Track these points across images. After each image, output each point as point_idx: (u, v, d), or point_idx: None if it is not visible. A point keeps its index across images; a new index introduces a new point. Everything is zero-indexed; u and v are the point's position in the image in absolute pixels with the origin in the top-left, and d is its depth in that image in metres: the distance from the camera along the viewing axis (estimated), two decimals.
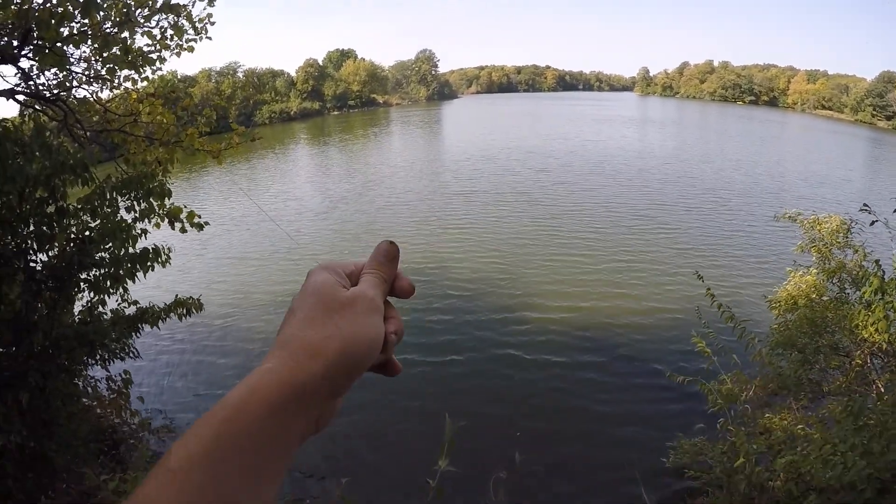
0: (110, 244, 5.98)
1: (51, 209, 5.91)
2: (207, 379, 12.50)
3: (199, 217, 6.64)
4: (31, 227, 5.84)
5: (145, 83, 7.76)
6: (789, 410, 7.08)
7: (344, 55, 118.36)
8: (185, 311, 7.16)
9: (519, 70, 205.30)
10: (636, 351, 13.10)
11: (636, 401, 11.25)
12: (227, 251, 21.79)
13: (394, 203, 28.85)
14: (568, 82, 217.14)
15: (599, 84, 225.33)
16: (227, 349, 13.89)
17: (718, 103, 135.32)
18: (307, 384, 0.60)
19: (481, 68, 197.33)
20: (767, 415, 6.91)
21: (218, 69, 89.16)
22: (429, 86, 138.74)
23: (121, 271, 6.08)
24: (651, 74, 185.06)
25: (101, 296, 6.41)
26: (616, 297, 16.09)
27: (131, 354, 6.68)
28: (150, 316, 6.88)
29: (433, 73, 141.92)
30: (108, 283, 6.17)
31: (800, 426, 6.05)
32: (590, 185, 32.45)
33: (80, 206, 6.09)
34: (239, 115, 74.53)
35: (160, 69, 7.43)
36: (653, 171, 37.34)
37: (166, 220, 6.44)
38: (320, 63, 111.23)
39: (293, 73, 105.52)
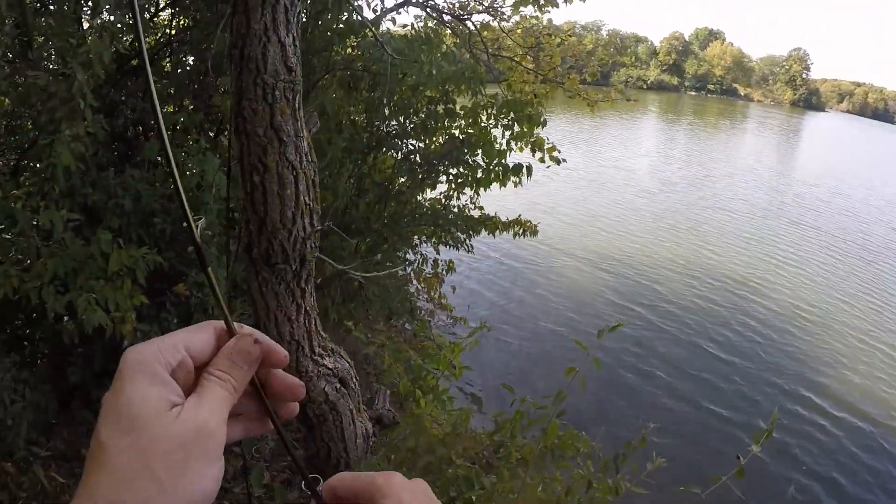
0: (479, 152, 6.75)
1: (440, 109, 6.89)
2: (513, 296, 13.74)
3: (559, 152, 7.12)
4: (418, 118, 6.91)
5: (536, 21, 8.52)
6: None
7: (712, 35, 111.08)
8: (521, 230, 7.89)
9: None
10: None
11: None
12: (575, 198, 22.88)
13: (719, 207, 26.60)
14: None
15: None
16: (540, 283, 14.86)
17: None
18: None
19: (857, 84, 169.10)
20: None
21: (582, 24, 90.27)
22: (796, 89, 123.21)
23: (480, 175, 6.86)
24: None
25: (458, 191, 7.37)
26: None
27: (465, 248, 7.61)
28: (490, 223, 7.68)
29: (804, 76, 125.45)
30: (469, 183, 7.02)
31: None
32: None
33: (464, 113, 6.99)
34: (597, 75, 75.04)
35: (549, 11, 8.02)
36: None
37: (529, 147, 7.03)
38: (686, 38, 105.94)
39: (657, 43, 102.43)
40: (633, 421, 8.88)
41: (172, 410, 0.53)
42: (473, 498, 3.28)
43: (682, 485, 3.20)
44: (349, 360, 2.41)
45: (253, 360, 0.60)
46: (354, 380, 2.43)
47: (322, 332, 2.31)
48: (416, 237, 7.52)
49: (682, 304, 14.97)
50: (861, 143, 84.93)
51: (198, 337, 0.60)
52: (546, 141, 7.12)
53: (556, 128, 37.29)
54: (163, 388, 0.54)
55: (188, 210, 0.61)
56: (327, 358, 2.31)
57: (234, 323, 0.62)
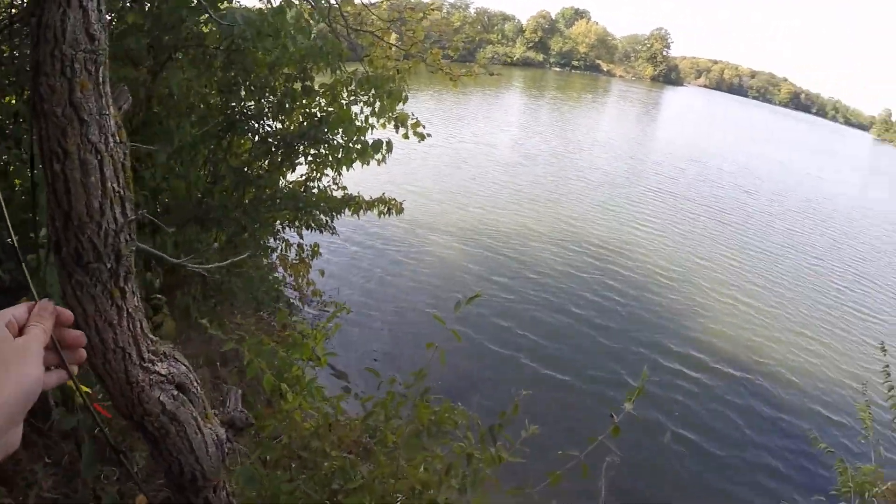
0: (340, 130, 6.52)
1: (297, 86, 6.58)
2: (380, 276, 13.71)
3: (423, 127, 7.03)
4: (275, 97, 6.56)
5: None
6: None
7: (577, 14, 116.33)
8: (385, 209, 7.76)
9: (753, 74, 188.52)
10: (784, 397, 12.39)
11: (763, 446, 10.78)
12: (438, 175, 23.01)
13: (579, 178, 28.09)
14: (801, 102, 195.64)
15: (835, 113, 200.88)
16: (407, 262, 14.93)
17: None
18: None
19: (714, 62, 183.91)
20: None
21: (451, 1, 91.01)
22: (657, 66, 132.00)
23: (342, 154, 6.64)
24: (894, 119, 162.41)
25: (318, 172, 7.12)
26: (782, 338, 15.09)
27: (328, 230, 7.37)
28: (354, 203, 7.49)
29: (664, 53, 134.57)
30: (329, 163, 6.79)
31: None
32: (792, 222, 29.65)
33: (322, 90, 6.72)
34: (461, 51, 76.00)
35: None
36: (865, 231, 33.16)
37: (393, 123, 6.89)
38: (552, 17, 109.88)
39: (524, 21, 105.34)
40: (508, 391, 9.13)
41: (8, 339, 0.90)
42: (353, 488, 3.16)
43: (561, 449, 3.23)
44: (186, 363, 2.18)
45: (49, 312, 0.99)
46: (195, 383, 2.19)
47: (151, 336, 2.06)
48: (277, 223, 7.19)
49: (547, 273, 15.56)
50: (716, 114, 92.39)
51: (18, 310, 0.96)
52: (410, 116, 7.02)
53: (422, 105, 37.35)
54: (3, 332, 0.90)
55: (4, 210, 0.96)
56: (159, 363, 2.07)
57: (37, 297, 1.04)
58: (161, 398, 2.05)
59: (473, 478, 3.35)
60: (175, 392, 2.10)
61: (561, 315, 13.52)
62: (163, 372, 2.06)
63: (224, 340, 3.44)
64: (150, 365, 2.02)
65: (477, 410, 3.78)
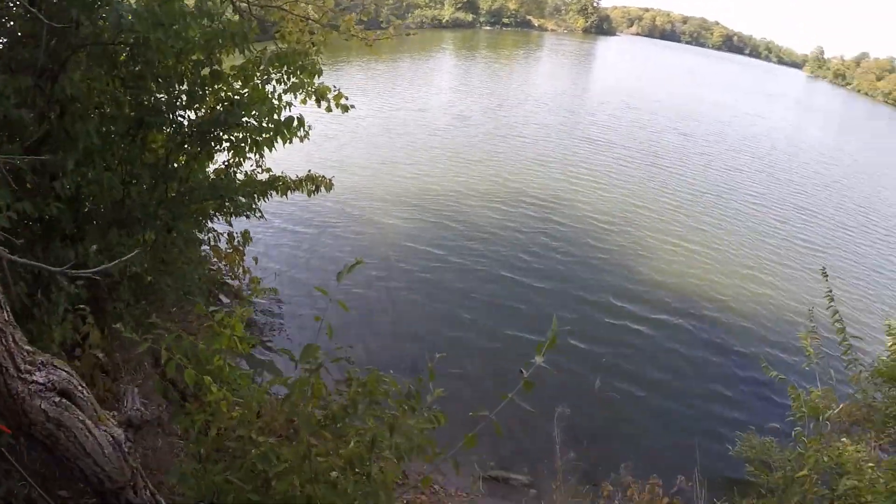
0: (255, 111, 6.37)
1: (205, 72, 6.37)
2: (320, 254, 13.64)
3: (347, 99, 6.89)
4: (185, 86, 6.32)
5: None
6: (866, 444, 6.74)
7: None
8: (314, 187, 7.64)
9: (685, 20, 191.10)
10: (734, 334, 12.88)
11: (719, 380, 11.25)
12: (369, 147, 22.64)
13: (513, 135, 28.10)
14: (735, 44, 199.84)
15: (768, 53, 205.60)
16: (345, 225, 15.09)
17: (891, 107, 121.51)
18: None
19: (646, 10, 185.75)
20: (844, 439, 6.62)
21: None
22: (588, 17, 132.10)
23: (261, 136, 6.49)
24: (825, 56, 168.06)
25: (239, 158, 6.95)
26: (728, 276, 15.64)
27: (256, 215, 7.22)
28: (280, 184, 7.36)
29: (595, 4, 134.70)
30: (248, 146, 6.63)
31: (870, 464, 5.80)
32: (731, 161, 30.39)
33: (233, 73, 6.52)
34: (389, 17, 74.85)
35: None
36: (804, 166, 34.26)
37: (314, 98, 6.74)
38: None
39: None
40: (445, 354, 9.21)
41: None
42: (279, 472, 3.15)
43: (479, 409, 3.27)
44: (67, 369, 2.13)
45: None
46: (80, 388, 2.15)
47: (26, 347, 2.01)
48: (202, 215, 7.01)
49: (484, 234, 15.65)
50: (649, 61, 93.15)
51: None
52: (332, 89, 6.86)
53: (351, 77, 36.69)
54: None
55: None
56: (38, 373, 2.02)
57: None
58: (43, 406, 2.01)
59: (409, 444, 3.38)
60: (57, 399, 2.05)
61: (499, 273, 13.65)
62: (41, 380, 2.01)
63: (139, 341, 3.36)
64: (27, 375, 1.97)
65: (412, 376, 3.79)
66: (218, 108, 6.50)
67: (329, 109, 6.90)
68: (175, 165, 6.62)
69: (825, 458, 5.50)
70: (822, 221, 22.96)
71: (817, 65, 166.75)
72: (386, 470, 3.41)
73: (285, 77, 6.53)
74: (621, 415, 9.58)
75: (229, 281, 9.46)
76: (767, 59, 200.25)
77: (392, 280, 12.67)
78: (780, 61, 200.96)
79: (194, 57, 6.25)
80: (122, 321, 5.95)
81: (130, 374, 6.21)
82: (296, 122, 6.48)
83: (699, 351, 11.96)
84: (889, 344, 8.35)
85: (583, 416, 9.01)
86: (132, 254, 3.58)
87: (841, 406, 7.23)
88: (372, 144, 22.99)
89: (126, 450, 2.33)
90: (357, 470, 3.31)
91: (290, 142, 6.70)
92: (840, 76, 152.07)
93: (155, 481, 4.57)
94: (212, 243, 7.95)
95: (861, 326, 12.87)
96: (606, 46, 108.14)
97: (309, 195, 7.77)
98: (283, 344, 9.11)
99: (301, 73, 6.51)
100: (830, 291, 7.36)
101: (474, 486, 7.35)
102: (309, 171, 7.81)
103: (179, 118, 6.42)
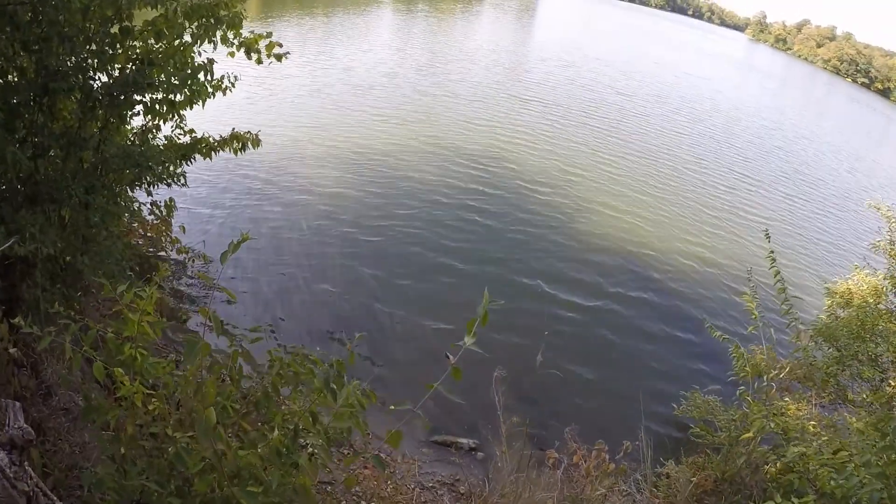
0: (171, 69, 5.83)
1: (114, 29, 5.77)
2: (251, 217, 12.95)
3: (281, 47, 6.34)
4: (93, 46, 5.73)
5: None
6: (807, 403, 6.88)
7: None
8: (240, 145, 7.12)
9: None
10: (677, 293, 13.03)
11: (663, 340, 11.35)
12: (298, 107, 21.48)
13: (450, 92, 27.24)
14: (677, 4, 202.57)
15: (710, 15, 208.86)
16: (274, 191, 14.27)
17: (829, 73, 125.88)
18: None
19: None
20: (786, 399, 6.74)
21: None
22: None
23: (178, 96, 5.97)
24: (767, 21, 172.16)
25: (156, 121, 6.40)
26: (669, 237, 15.79)
27: (179, 182, 6.68)
28: (203, 146, 6.85)
29: None
30: (164, 107, 6.09)
31: (812, 422, 5.91)
32: (671, 123, 30.58)
33: (144, 29, 5.94)
34: None
35: None
36: (746, 130, 34.84)
37: (242, 50, 6.22)
38: None
39: None
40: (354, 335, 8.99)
41: None
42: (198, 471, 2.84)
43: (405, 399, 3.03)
44: None
45: None
46: None
47: None
48: (120, 185, 6.45)
49: (414, 199, 15.09)
50: (590, 19, 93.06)
51: None
52: (264, 36, 6.29)
53: (280, 33, 34.87)
54: None
55: None
56: None
57: None
58: None
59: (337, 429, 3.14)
60: None
61: (429, 241, 13.20)
62: None
63: (39, 336, 3.02)
64: None
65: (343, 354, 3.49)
66: (128, 68, 5.92)
67: (259, 61, 6.32)
68: (87, 135, 6.01)
69: (771, 426, 5.52)
70: (764, 188, 23.50)
71: (759, 28, 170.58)
72: (315, 459, 3.15)
73: (203, 31, 5.97)
74: (565, 381, 9.49)
75: (156, 253, 8.88)
76: (710, 20, 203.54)
77: (324, 245, 12.21)
78: (723, 23, 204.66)
79: (102, 13, 5.65)
80: (37, 309, 5.48)
81: (54, 366, 5.71)
82: (215, 80, 5.97)
83: (641, 316, 12.00)
84: (828, 303, 8.56)
85: (524, 383, 8.90)
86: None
87: (784, 365, 7.36)
88: (301, 105, 21.66)
89: (12, 475, 1.97)
90: (283, 460, 3.03)
91: (213, 97, 6.20)
92: (781, 41, 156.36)
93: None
94: (135, 215, 7.38)
95: (802, 289, 13.28)
96: (547, 3, 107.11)
97: (235, 153, 7.19)
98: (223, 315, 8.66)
99: (221, 26, 5.97)
100: (772, 252, 7.44)
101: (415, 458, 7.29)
102: (233, 129, 7.22)
103: (90, 82, 5.81)
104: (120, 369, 3.09)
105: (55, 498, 2.30)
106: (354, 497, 5.92)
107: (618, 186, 18.96)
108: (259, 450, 2.95)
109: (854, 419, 5.74)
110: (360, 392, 3.11)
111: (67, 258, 5.80)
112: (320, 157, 16.76)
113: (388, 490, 6.33)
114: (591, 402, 9.28)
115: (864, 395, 7.09)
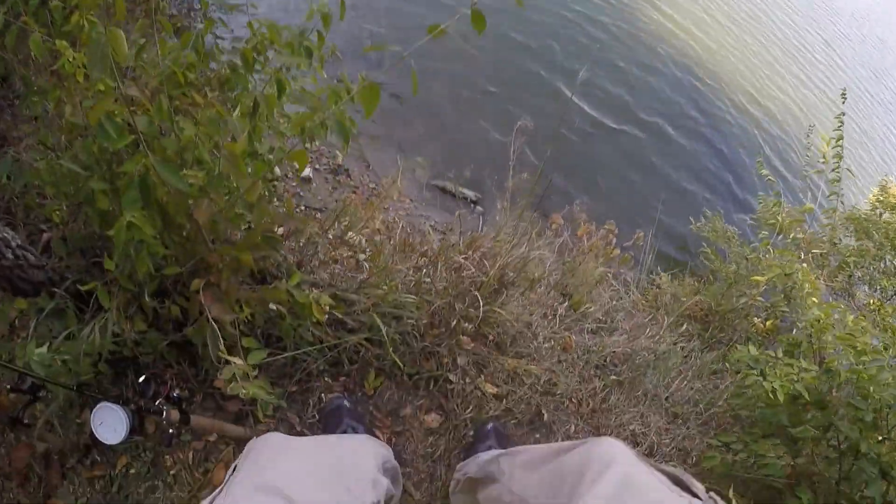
0: None
1: None
2: None
3: None
4: None
5: None
6: (818, 279, 6.45)
7: None
8: None
9: None
10: (740, 114, 11.76)
11: (708, 154, 10.30)
12: None
13: None
14: None
15: None
16: None
17: None
18: None
19: None
20: (804, 264, 6.29)
21: None
22: None
23: None
24: None
25: None
26: (748, 64, 14.16)
27: None
28: None
29: None
30: None
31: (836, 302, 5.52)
32: None
33: None
34: None
35: None
36: None
37: None
38: None
39: None
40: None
41: None
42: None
43: None
44: None
45: None
46: None
47: None
48: None
49: None
50: None
51: None
52: None
53: None
54: None
55: None
56: None
57: None
58: None
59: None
60: None
61: None
62: None
63: None
64: None
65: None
66: None
67: None
68: None
69: (788, 283, 5.09)
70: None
71: None
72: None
73: None
74: (591, 146, 8.70)
75: None
76: None
77: None
78: None
79: None
80: None
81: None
82: None
83: (698, 114, 10.71)
84: (873, 195, 7.71)
85: (548, 137, 8.09)
86: None
87: (808, 236, 6.84)
88: None
89: None
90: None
91: None
92: None
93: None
94: None
95: (859, 166, 12.25)
96: None
97: None
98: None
99: None
100: (843, 114, 6.55)
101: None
102: None
103: None
104: (63, 41, 2.46)
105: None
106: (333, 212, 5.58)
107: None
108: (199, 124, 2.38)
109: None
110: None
111: None
112: None
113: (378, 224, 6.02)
114: (613, 176, 8.57)
115: (871, 302, 6.61)
